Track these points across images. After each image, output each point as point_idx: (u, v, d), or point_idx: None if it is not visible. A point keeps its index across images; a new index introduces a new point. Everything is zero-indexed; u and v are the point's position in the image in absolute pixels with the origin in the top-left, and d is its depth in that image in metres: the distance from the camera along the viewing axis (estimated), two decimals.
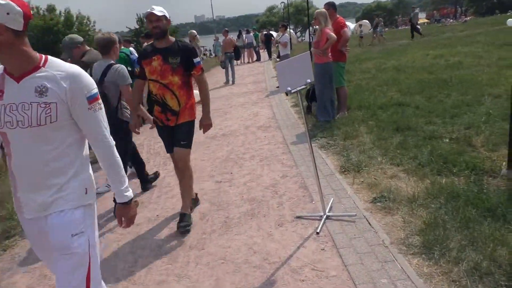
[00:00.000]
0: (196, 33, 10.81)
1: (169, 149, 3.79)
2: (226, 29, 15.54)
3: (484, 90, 7.07)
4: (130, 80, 4.00)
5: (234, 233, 3.43)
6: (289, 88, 3.08)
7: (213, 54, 28.70)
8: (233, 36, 14.88)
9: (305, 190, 4.10)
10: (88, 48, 4.76)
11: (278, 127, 6.94)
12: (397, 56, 14.43)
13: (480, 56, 11.41)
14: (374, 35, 23.33)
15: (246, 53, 22.57)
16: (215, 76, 16.88)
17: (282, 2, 40.98)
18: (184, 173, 3.74)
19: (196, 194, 4.22)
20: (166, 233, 3.65)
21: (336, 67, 6.63)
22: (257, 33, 24.74)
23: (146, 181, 4.86)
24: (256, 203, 3.97)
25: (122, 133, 4.02)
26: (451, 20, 45.09)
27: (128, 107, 4.07)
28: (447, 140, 4.85)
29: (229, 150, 5.97)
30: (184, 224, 3.58)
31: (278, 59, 12.72)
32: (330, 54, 6.35)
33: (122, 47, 9.21)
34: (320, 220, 3.34)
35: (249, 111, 8.83)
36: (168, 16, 3.42)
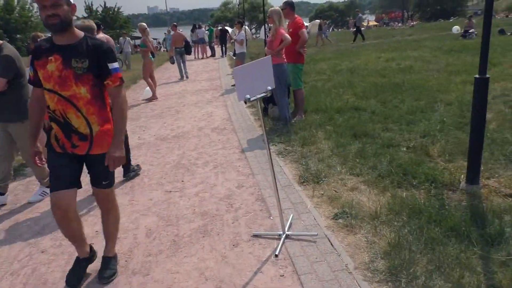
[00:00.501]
0: (146, 26, 10.20)
1: (63, 185, 2.56)
2: (175, 23, 15.09)
3: (436, 96, 7.18)
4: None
5: (184, 254, 3.09)
6: (248, 96, 2.78)
7: (164, 49, 27.83)
8: (182, 30, 14.40)
9: (262, 203, 3.83)
10: (0, 41, 4.07)
11: (233, 130, 6.63)
12: (350, 57, 14.60)
13: (429, 61, 11.75)
14: (322, 36, 23.57)
15: (199, 49, 21.98)
16: (168, 71, 16.27)
17: None
18: (108, 214, 2.89)
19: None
20: None
21: (293, 69, 6.43)
22: (212, 28, 24.17)
23: (129, 170, 4.85)
24: (209, 218, 3.64)
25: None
26: (399, 24, 46.90)
27: None
28: (405, 149, 4.78)
29: (181, 155, 5.59)
30: (108, 274, 2.83)
31: (234, 57, 12.38)
32: (284, 55, 6.13)
33: None
34: (279, 239, 3.09)
35: (203, 110, 8.45)
36: (72, 0, 2.43)
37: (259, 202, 3.86)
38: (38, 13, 43.73)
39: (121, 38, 16.83)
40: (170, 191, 4.35)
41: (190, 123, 7.41)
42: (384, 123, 5.91)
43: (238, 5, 48.14)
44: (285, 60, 6.15)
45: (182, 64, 13.31)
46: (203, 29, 22.40)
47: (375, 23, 57.97)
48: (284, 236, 3.10)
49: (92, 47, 2.49)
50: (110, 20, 41.10)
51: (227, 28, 24.79)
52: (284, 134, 5.88)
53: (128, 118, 2.80)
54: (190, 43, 14.67)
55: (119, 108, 2.60)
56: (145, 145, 6.20)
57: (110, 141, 2.63)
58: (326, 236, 3.09)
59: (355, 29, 24.10)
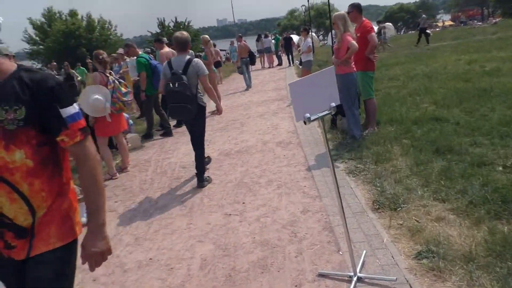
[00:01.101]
0: (208, 38, 10.19)
1: None
2: (240, 34, 15.36)
3: None
4: (207, 71, 4.98)
5: None
6: (307, 115, 2.38)
7: (227, 60, 28.18)
8: (245, 41, 14.47)
9: (330, 233, 3.38)
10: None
11: (299, 144, 6.23)
12: (425, 61, 13.53)
13: None
14: (379, 42, 22.25)
15: (266, 58, 21.91)
16: (234, 82, 16.30)
17: (303, 6, 40.22)
18: None
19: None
20: (157, 285, 3.00)
21: (363, 77, 5.90)
22: (278, 37, 23.95)
23: (203, 178, 5.09)
24: (270, 249, 3.27)
25: (201, 115, 5.02)
26: (479, 23, 43.34)
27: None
28: (501, 169, 4.05)
29: (243, 172, 5.30)
30: None
31: (300, 66, 11.98)
32: (353, 63, 5.61)
33: (140, 52, 8.72)
34: (350, 282, 2.63)
35: (269, 122, 8.14)
36: None
37: (326, 232, 3.41)
38: (116, 31, 47.14)
39: None
40: (230, 214, 4.05)
41: (254, 137, 7.13)
42: (472, 136, 5.15)
43: (304, 12, 47.76)
44: (354, 68, 5.65)
45: (247, 74, 13.52)
46: (269, 38, 22.30)
47: (451, 23, 54.27)
48: (355, 278, 2.63)
49: (31, 85, 1.54)
50: None
51: (292, 36, 24.39)
52: (355, 149, 5.36)
53: None
54: (255, 53, 14.74)
55: (89, 174, 1.66)
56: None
57: (61, 227, 1.65)
58: (407, 281, 2.57)
59: (419, 30, 22.53)
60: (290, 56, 20.55)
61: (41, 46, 44.89)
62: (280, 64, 21.90)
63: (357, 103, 5.97)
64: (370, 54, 5.85)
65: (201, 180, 5.00)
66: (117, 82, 5.75)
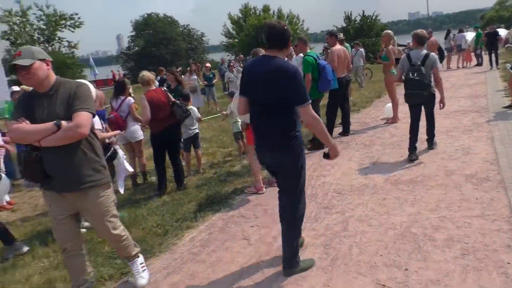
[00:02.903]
0: (392, 35, 8.64)
1: None
2: (430, 29, 13.90)
3: None
4: (440, 64, 5.53)
5: None
6: None
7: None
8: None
9: None
10: None
11: (501, 183, 4.48)
12: None
13: None
14: None
15: (458, 57, 18.86)
16: None
17: None
18: None
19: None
20: None
21: None
22: (480, 32, 19.99)
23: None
24: None
25: (432, 99, 5.77)
26: None
27: None
28: None
29: (413, 215, 3.97)
30: None
31: (511, 70, 9.34)
32: None
33: (309, 50, 7.95)
34: None
35: (457, 143, 6.35)
36: None
37: None
38: (303, 26, 48.03)
39: (352, 49, 14.22)
40: (384, 286, 2.88)
41: (435, 161, 5.57)
42: None
43: None
44: None
45: None
46: (464, 33, 18.88)
47: None
48: None
49: None
50: (367, 28, 40.80)
51: (499, 30, 19.95)
52: None
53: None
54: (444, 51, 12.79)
55: None
56: (369, 189, 4.85)
57: None
58: None
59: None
60: (494, 55, 16.76)
61: (236, 40, 49.26)
62: (479, 64, 18.33)
63: None
64: None
65: (431, 143, 6.10)
66: None
